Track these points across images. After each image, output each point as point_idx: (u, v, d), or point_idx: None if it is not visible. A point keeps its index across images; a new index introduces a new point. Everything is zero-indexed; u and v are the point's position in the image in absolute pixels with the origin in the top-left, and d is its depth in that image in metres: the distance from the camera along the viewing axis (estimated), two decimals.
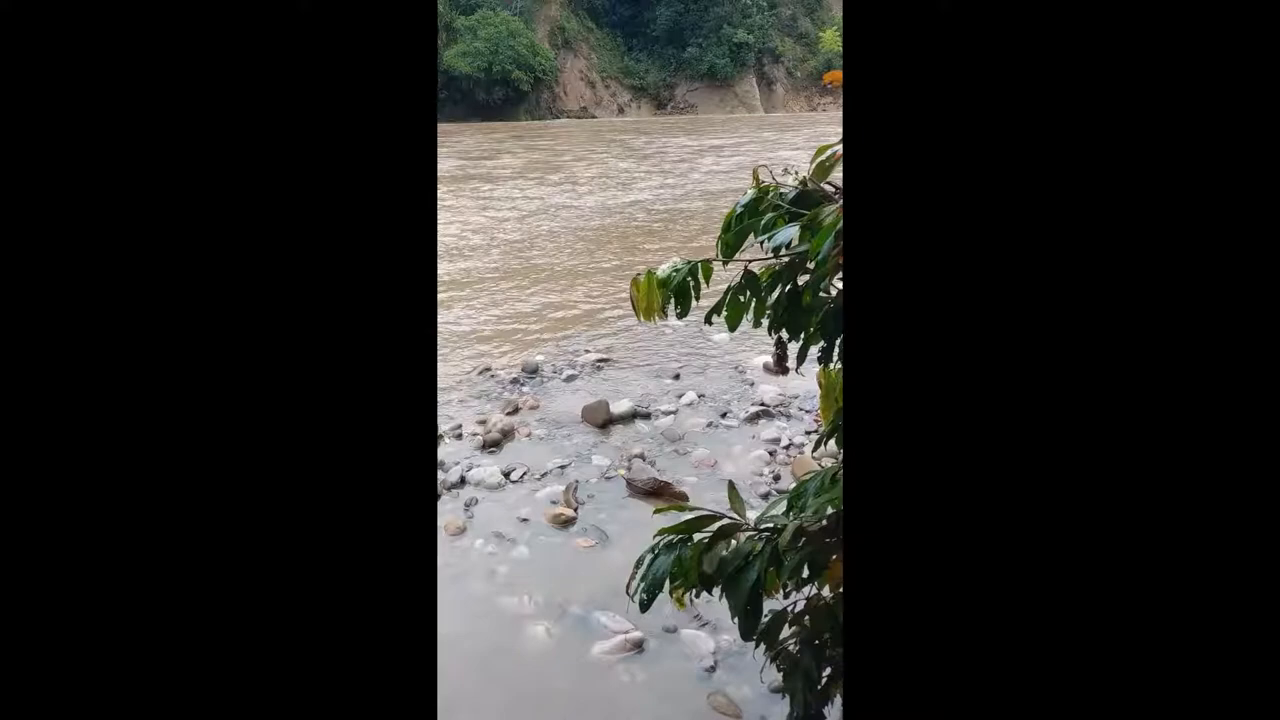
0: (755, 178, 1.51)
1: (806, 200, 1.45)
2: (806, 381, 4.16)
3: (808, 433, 3.96)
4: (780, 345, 1.60)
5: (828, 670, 1.54)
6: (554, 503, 3.35)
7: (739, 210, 1.52)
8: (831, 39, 42.36)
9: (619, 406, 4.24)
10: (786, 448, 3.86)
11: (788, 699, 1.60)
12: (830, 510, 1.38)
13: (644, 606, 1.45)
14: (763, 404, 4.31)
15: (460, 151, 19.00)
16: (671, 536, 1.46)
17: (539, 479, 3.57)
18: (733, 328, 1.57)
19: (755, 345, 5.09)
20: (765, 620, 1.49)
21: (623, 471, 3.60)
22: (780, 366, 1.66)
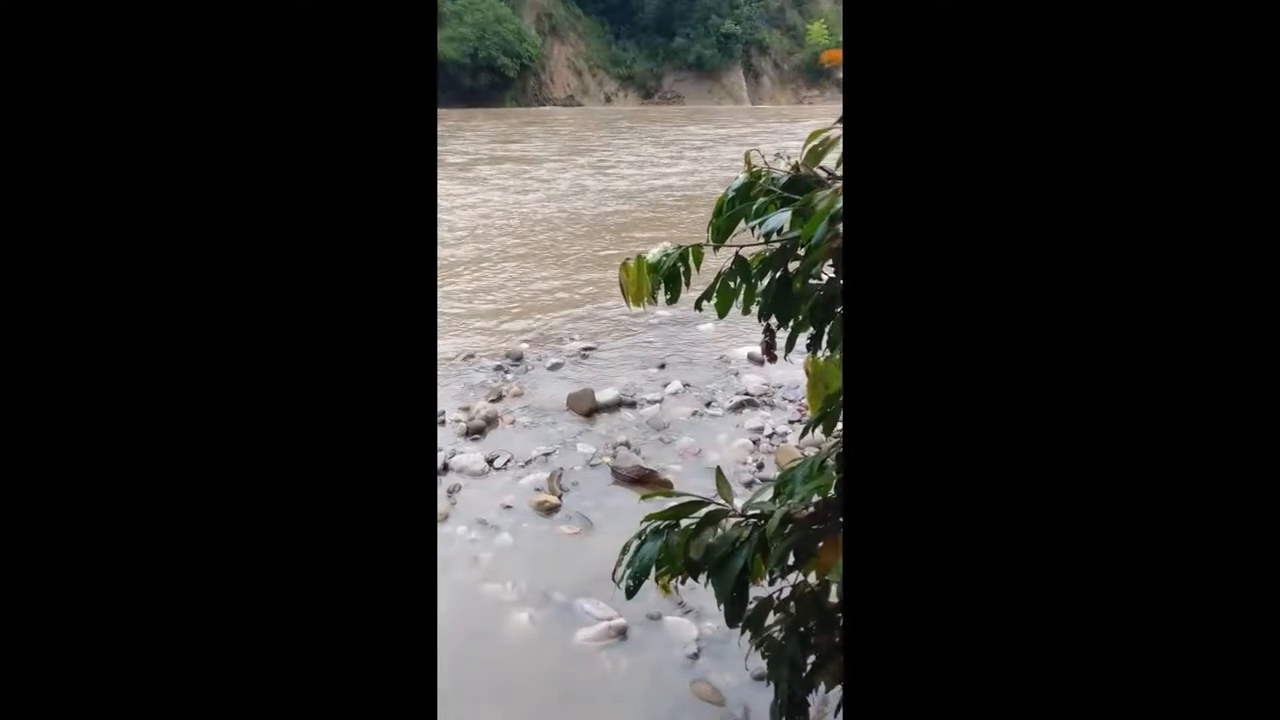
0: (747, 162, 1.50)
1: (798, 185, 1.44)
2: (789, 371, 4.17)
3: (791, 422, 3.97)
4: (769, 332, 1.60)
5: (812, 658, 1.54)
6: (538, 490, 3.34)
7: (730, 195, 1.51)
8: (819, 32, 42.38)
9: (604, 395, 4.22)
10: (770, 436, 3.87)
11: (771, 686, 1.60)
12: (818, 497, 1.37)
13: (630, 593, 1.44)
14: (747, 393, 4.32)
15: (488, 135, 21.34)
16: (658, 522, 1.45)
17: (523, 466, 3.55)
18: (722, 314, 1.55)
19: (741, 336, 5.10)
20: (751, 607, 1.49)
21: (607, 459, 3.59)
22: (768, 354, 1.65)
